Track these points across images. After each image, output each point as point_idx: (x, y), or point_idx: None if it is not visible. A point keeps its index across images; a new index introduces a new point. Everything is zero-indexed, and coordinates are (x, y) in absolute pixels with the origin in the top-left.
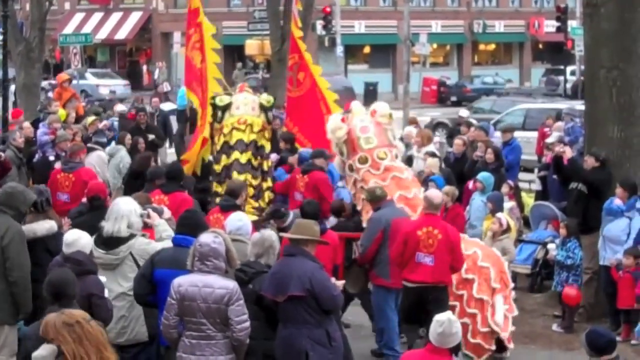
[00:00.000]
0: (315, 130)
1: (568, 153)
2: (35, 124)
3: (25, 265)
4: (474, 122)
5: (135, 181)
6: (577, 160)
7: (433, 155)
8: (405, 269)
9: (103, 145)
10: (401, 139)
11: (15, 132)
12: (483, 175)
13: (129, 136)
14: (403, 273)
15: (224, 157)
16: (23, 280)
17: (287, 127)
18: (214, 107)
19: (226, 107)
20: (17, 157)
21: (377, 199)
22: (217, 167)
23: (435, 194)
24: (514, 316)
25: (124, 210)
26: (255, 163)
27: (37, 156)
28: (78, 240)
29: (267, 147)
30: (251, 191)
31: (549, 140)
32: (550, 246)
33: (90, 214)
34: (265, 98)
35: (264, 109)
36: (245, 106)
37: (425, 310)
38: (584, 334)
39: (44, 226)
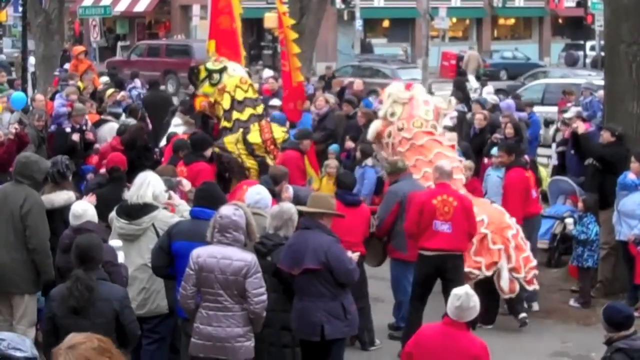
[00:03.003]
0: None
1: (580, 128)
2: (52, 98)
3: (44, 232)
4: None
5: (131, 152)
6: (591, 136)
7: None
8: (421, 237)
9: (118, 117)
10: None
11: (35, 113)
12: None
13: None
14: (419, 242)
15: (235, 113)
16: (43, 247)
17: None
18: (209, 71)
19: (223, 70)
20: (39, 136)
21: (397, 171)
22: (228, 124)
23: (446, 162)
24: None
25: (151, 179)
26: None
27: (52, 127)
28: (87, 211)
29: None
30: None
31: (567, 115)
32: (568, 221)
33: (110, 185)
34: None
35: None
36: (242, 69)
37: (444, 279)
38: (602, 309)
39: (62, 197)
